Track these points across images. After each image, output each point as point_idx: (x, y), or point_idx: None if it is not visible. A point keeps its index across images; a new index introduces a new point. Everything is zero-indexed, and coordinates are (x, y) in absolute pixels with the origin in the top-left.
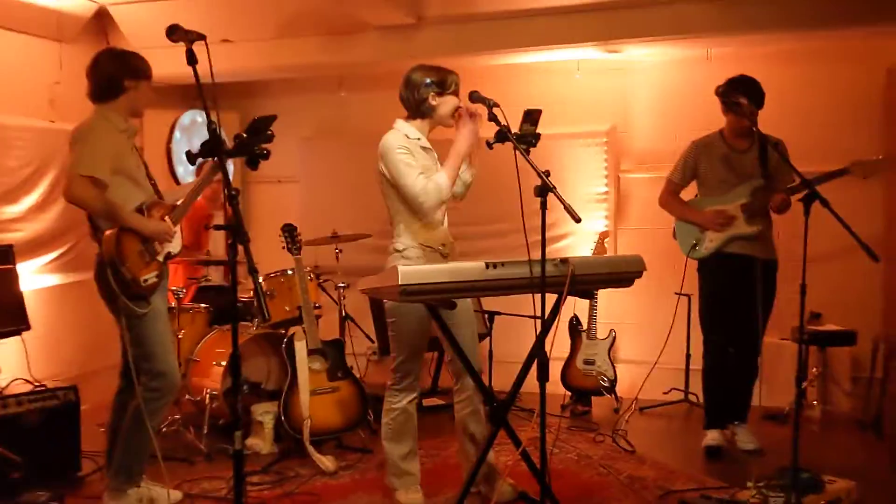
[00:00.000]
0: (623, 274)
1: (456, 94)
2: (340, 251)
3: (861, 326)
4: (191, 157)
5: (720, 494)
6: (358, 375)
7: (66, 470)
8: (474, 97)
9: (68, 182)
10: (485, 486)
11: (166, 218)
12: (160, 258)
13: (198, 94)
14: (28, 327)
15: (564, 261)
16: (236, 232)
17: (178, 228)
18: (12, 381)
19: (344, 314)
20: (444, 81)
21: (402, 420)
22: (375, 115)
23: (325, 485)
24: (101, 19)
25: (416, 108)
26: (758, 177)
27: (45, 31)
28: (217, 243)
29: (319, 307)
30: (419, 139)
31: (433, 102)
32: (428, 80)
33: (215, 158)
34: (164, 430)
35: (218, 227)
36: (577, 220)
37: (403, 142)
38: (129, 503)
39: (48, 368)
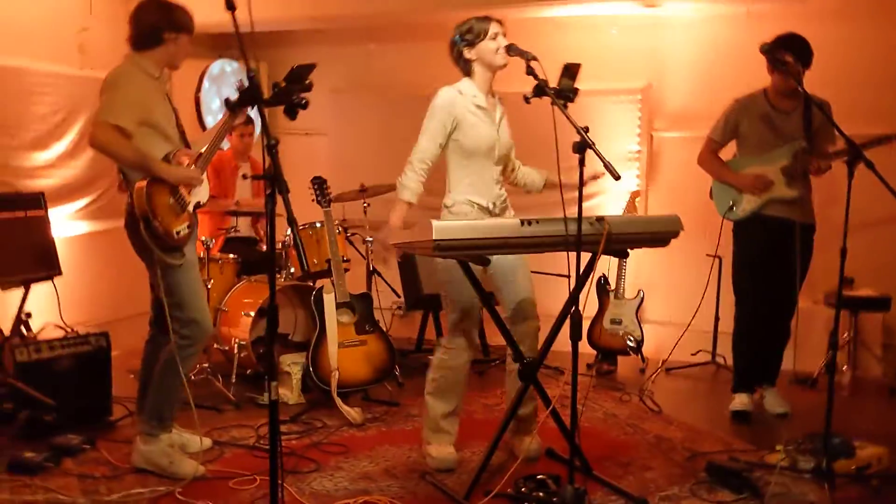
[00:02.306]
0: (659, 234)
1: (493, 39)
2: (368, 205)
3: (895, 293)
4: (230, 105)
5: (748, 457)
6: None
7: (98, 414)
8: (512, 50)
9: (93, 128)
10: (514, 440)
11: (192, 166)
12: (190, 208)
13: (230, 42)
14: (59, 273)
15: (600, 219)
16: (275, 182)
17: (204, 177)
18: (44, 326)
19: (371, 268)
20: (472, 32)
21: (451, 379)
22: (404, 68)
23: (352, 436)
24: None
25: (460, 67)
26: (800, 139)
27: None
28: (244, 194)
29: (348, 260)
30: (475, 97)
31: (468, 56)
32: (457, 37)
33: (251, 107)
34: (194, 378)
35: (256, 177)
36: (617, 178)
37: (449, 100)
38: (160, 448)
39: (79, 314)
